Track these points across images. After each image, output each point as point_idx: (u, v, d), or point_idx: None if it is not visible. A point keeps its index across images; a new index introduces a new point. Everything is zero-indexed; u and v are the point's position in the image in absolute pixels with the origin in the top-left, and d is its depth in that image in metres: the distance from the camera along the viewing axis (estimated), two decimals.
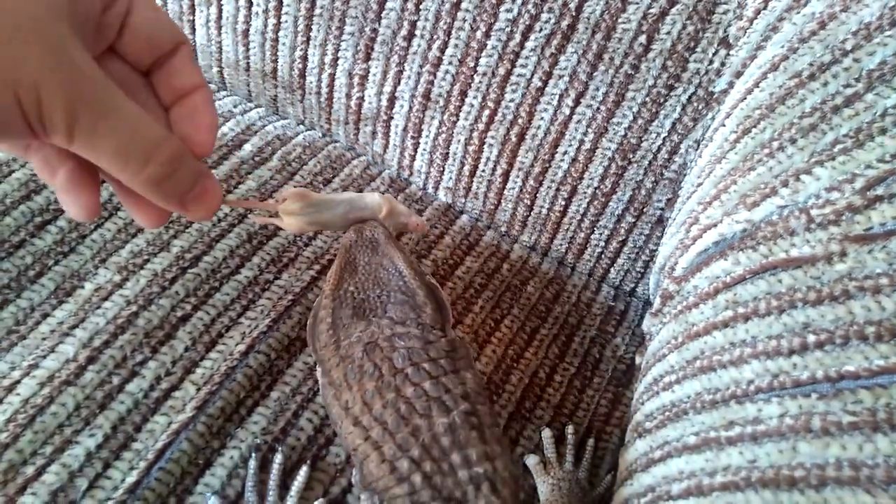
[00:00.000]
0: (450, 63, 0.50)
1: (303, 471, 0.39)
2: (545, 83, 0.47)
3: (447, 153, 0.54)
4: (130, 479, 0.38)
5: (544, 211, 0.54)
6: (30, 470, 0.37)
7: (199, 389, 0.42)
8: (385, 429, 0.31)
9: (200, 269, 0.47)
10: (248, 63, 0.58)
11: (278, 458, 0.40)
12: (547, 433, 0.46)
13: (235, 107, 0.60)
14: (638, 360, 0.44)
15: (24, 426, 0.38)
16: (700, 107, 0.45)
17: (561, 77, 0.47)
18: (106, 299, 0.44)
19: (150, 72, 0.32)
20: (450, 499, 0.30)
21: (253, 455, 0.40)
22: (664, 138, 0.47)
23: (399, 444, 0.30)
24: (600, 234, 0.53)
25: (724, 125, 0.40)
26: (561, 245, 0.56)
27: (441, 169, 0.56)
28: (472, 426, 0.31)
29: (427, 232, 0.41)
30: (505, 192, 0.54)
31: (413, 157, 0.57)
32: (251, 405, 0.42)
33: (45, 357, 0.41)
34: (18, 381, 0.39)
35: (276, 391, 0.43)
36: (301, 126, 0.61)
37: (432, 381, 0.32)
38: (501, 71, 0.48)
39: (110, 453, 0.39)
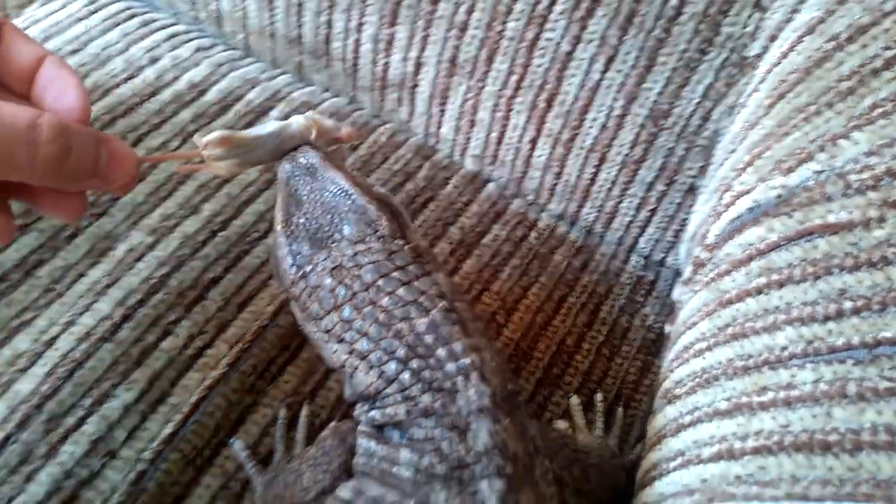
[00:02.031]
0: (476, 27, 0.49)
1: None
2: (574, 47, 0.47)
3: (474, 120, 0.54)
4: (167, 431, 0.39)
5: (573, 179, 0.53)
6: (70, 420, 0.38)
7: (231, 347, 0.43)
8: (368, 338, 0.31)
9: (230, 232, 0.47)
10: (273, 29, 0.58)
11: (305, 412, 0.41)
12: (575, 400, 0.46)
13: (261, 73, 0.60)
14: (668, 328, 0.44)
15: (64, 379, 0.39)
16: (733, 72, 0.44)
17: (590, 41, 0.46)
18: (139, 260, 0.45)
19: None
20: (440, 389, 0.30)
21: (282, 412, 0.41)
22: (696, 104, 0.46)
23: (384, 348, 0.31)
24: (630, 202, 0.53)
25: (758, 90, 0.39)
26: (589, 214, 0.55)
27: (468, 136, 0.56)
28: (453, 321, 0.32)
29: (361, 136, 0.39)
30: (532, 159, 0.54)
31: (439, 124, 0.57)
32: (281, 364, 0.43)
33: (81, 314, 0.42)
34: (57, 337, 0.41)
35: (306, 352, 0.44)
36: (327, 93, 0.61)
37: (405, 287, 0.32)
38: (529, 35, 0.47)
39: (147, 406, 0.40)
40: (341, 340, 0.32)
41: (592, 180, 0.53)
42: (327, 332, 0.33)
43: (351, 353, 0.32)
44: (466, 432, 0.29)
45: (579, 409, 0.45)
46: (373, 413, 0.32)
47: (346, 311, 0.32)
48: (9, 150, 0.26)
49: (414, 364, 0.31)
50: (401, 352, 0.31)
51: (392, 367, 0.31)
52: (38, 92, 0.31)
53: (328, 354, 0.33)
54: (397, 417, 0.31)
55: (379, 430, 0.32)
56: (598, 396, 0.46)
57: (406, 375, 0.31)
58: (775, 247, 0.32)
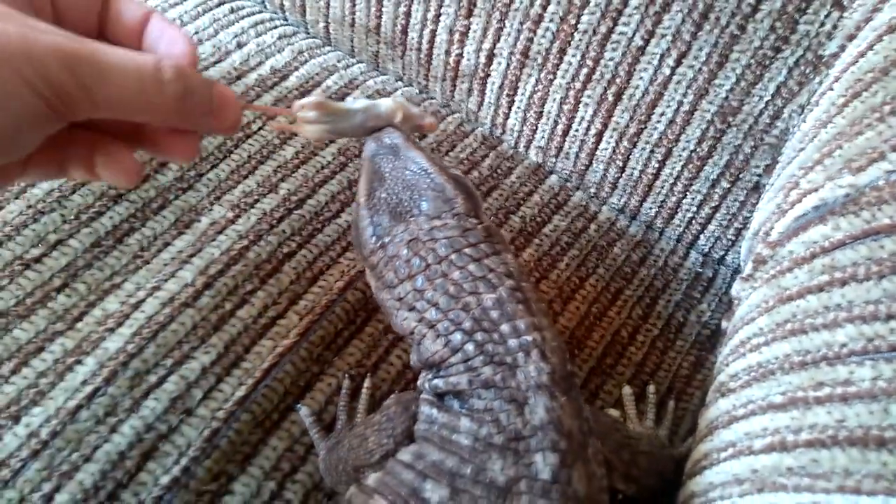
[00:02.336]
0: (551, 20, 0.50)
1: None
2: (647, 42, 0.47)
3: (541, 112, 0.55)
4: (240, 394, 0.42)
5: (636, 173, 0.54)
6: (153, 378, 0.41)
7: (301, 319, 0.45)
8: (438, 308, 0.33)
9: (305, 210, 0.50)
10: (353, 19, 0.60)
11: (367, 384, 0.43)
12: (627, 390, 0.47)
13: (339, 62, 0.62)
14: (724, 324, 0.44)
15: (148, 339, 0.42)
16: (807, 70, 0.44)
17: (664, 36, 0.46)
18: (220, 233, 0.47)
19: (101, 33, 0.33)
20: (501, 363, 0.31)
21: (346, 382, 0.43)
22: (767, 102, 0.46)
23: (451, 319, 0.32)
24: (693, 198, 0.53)
25: (832, 89, 0.39)
26: (651, 209, 0.56)
27: (534, 128, 0.57)
28: (518, 300, 0.33)
29: (435, 127, 0.41)
30: (597, 152, 0.54)
31: (507, 115, 0.58)
32: (348, 336, 0.45)
33: (166, 281, 0.45)
34: (143, 300, 0.44)
35: (371, 327, 0.46)
36: (399, 82, 0.63)
37: (476, 263, 0.33)
38: (603, 29, 0.48)
39: (222, 369, 0.43)
40: (412, 308, 0.34)
41: (656, 175, 0.53)
42: (399, 299, 0.34)
43: (420, 321, 0.33)
44: (524, 406, 0.31)
45: (631, 399, 0.46)
46: (436, 381, 0.33)
47: (419, 281, 0.33)
48: (141, 90, 0.29)
49: (478, 336, 0.32)
50: (467, 324, 0.32)
51: (458, 337, 0.32)
52: (150, 44, 0.33)
53: (399, 321, 0.35)
54: (459, 387, 0.32)
55: (440, 398, 0.33)
56: (651, 388, 0.47)
57: (470, 347, 0.32)
58: (840, 245, 0.32)
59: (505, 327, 0.32)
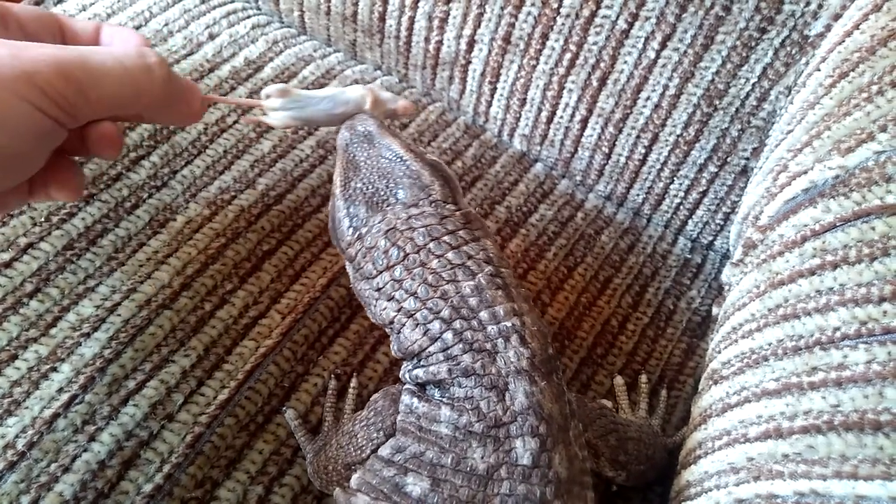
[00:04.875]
0: (532, 4, 0.49)
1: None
2: (631, 25, 0.46)
3: (525, 99, 0.54)
4: (222, 397, 0.41)
5: (622, 159, 0.53)
6: (131, 384, 0.40)
7: (283, 318, 0.44)
8: (416, 298, 0.33)
9: (284, 206, 0.49)
10: (329, 6, 0.59)
11: (354, 383, 0.42)
12: (619, 380, 0.46)
13: (315, 51, 0.61)
14: (715, 310, 0.43)
15: (126, 344, 0.41)
16: (793, 51, 0.43)
17: (648, 19, 0.46)
18: (197, 231, 0.46)
19: None
20: (481, 350, 0.31)
21: (332, 383, 0.42)
22: (753, 84, 0.45)
23: (430, 308, 0.32)
24: (680, 184, 0.52)
25: (818, 69, 0.38)
26: (638, 195, 0.55)
27: (517, 115, 0.56)
28: (497, 286, 0.33)
29: (415, 111, 0.41)
30: (582, 139, 0.54)
31: (489, 103, 0.57)
32: (332, 335, 0.44)
33: (142, 282, 0.43)
34: (119, 304, 0.42)
35: (356, 324, 0.45)
36: (378, 71, 0.62)
37: (454, 251, 0.33)
38: (585, 12, 0.47)
39: (203, 372, 0.41)
40: (391, 298, 0.33)
41: (643, 161, 0.52)
42: (378, 290, 0.34)
43: (399, 311, 0.33)
44: (505, 392, 0.31)
45: (623, 389, 0.46)
46: (416, 371, 0.33)
47: (398, 272, 0.33)
48: (132, 81, 0.29)
49: (457, 325, 0.32)
50: (445, 312, 0.32)
51: (436, 326, 0.32)
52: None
53: (378, 311, 0.34)
54: (439, 376, 0.32)
55: (421, 388, 0.33)
56: (643, 378, 0.46)
57: (449, 335, 0.32)
58: (831, 228, 0.32)
59: (484, 314, 0.32)
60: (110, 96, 0.29)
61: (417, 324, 0.32)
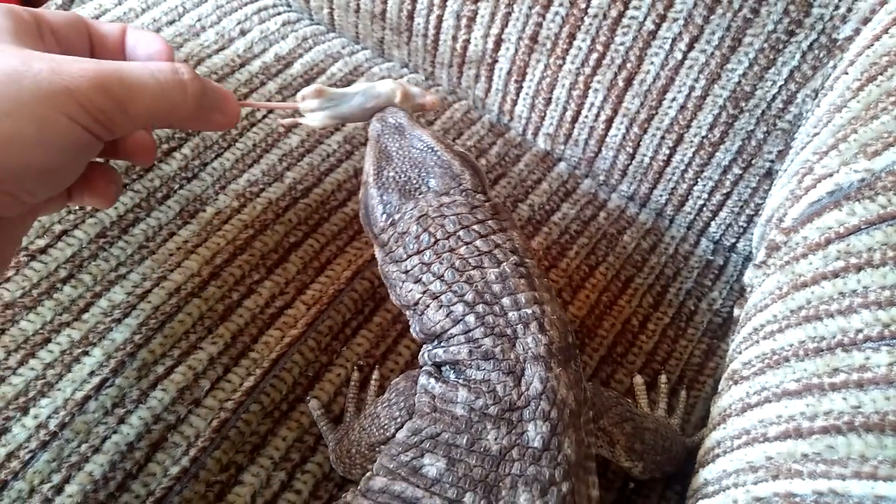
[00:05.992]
0: (560, 4, 0.49)
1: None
2: (658, 26, 0.46)
3: (550, 98, 0.54)
4: (248, 384, 0.42)
5: (646, 160, 0.53)
6: (160, 369, 0.41)
7: (308, 309, 0.45)
8: (442, 280, 0.33)
9: (311, 199, 0.50)
10: (358, 4, 0.60)
11: (375, 375, 0.43)
12: (639, 379, 0.46)
13: (343, 48, 0.61)
14: (737, 311, 0.43)
15: (155, 330, 0.42)
16: (821, 54, 0.43)
17: (675, 20, 0.46)
18: (226, 223, 0.47)
19: (93, 55, 0.34)
20: (501, 335, 0.32)
21: (355, 374, 0.43)
22: (780, 87, 0.45)
23: (454, 291, 0.33)
24: (704, 185, 0.52)
25: (846, 73, 0.38)
26: (661, 196, 0.55)
27: (542, 114, 0.56)
28: (520, 275, 0.34)
29: (442, 106, 0.42)
30: (607, 139, 0.54)
31: (514, 102, 0.57)
32: (356, 327, 0.45)
33: (172, 271, 0.44)
34: (149, 291, 0.44)
35: (379, 317, 0.46)
36: (405, 69, 0.62)
37: (483, 239, 0.34)
38: (613, 13, 0.47)
39: (230, 360, 0.42)
40: (417, 280, 0.34)
41: (667, 162, 0.52)
42: (406, 272, 0.35)
43: (424, 292, 0.34)
44: (521, 377, 0.32)
45: (643, 388, 0.46)
46: (437, 351, 0.34)
47: (427, 255, 0.34)
48: (167, 96, 0.30)
49: (480, 308, 0.33)
50: (469, 296, 0.33)
51: (459, 308, 0.33)
52: (130, 52, 0.35)
53: (403, 293, 0.35)
54: (459, 356, 0.33)
55: (437, 370, 0.34)
56: (663, 377, 0.47)
57: (471, 318, 0.33)
58: (855, 230, 0.32)
59: (506, 300, 0.33)
60: (146, 110, 0.30)
61: (441, 305, 0.33)
